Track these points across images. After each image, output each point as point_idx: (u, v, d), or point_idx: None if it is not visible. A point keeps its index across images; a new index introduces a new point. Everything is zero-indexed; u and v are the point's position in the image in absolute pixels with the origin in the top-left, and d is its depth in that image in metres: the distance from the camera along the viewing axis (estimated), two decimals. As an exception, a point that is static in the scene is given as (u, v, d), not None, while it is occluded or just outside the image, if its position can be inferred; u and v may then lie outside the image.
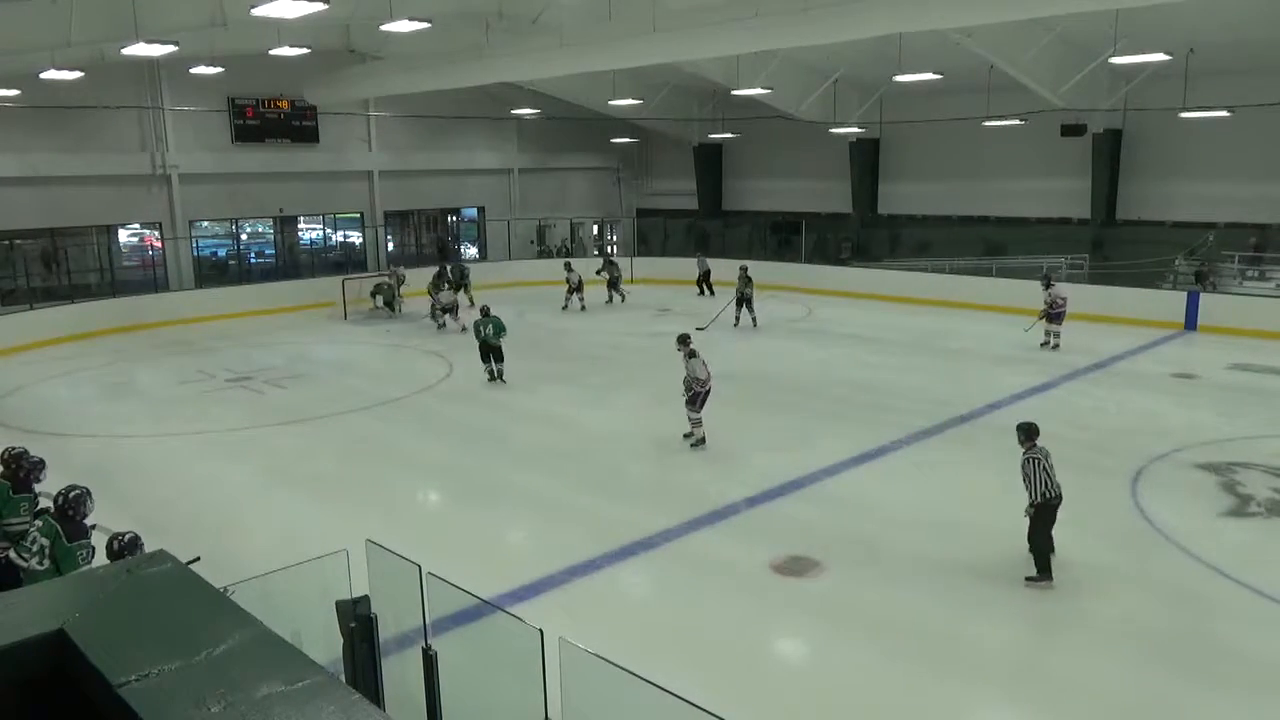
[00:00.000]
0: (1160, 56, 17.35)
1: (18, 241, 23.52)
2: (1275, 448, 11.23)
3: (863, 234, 29.86)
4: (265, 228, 28.36)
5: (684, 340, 11.92)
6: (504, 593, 7.59)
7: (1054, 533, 7.86)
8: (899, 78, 20.19)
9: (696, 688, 4.02)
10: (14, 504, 7.09)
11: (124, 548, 5.87)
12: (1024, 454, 7.84)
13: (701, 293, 24.27)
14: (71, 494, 6.52)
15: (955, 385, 14.62)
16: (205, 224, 26.70)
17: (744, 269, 20.22)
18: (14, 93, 20.41)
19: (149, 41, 14.99)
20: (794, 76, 24.59)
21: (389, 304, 23.11)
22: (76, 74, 18.19)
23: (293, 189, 26.99)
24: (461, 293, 22.44)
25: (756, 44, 17.20)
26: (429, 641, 5.05)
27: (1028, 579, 7.78)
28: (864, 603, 7.68)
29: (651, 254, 30.71)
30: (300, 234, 29.28)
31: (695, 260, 25.23)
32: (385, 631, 5.23)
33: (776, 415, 13.25)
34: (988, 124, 23.35)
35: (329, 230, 29.78)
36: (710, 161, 33.88)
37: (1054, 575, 7.75)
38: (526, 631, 4.29)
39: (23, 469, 7.27)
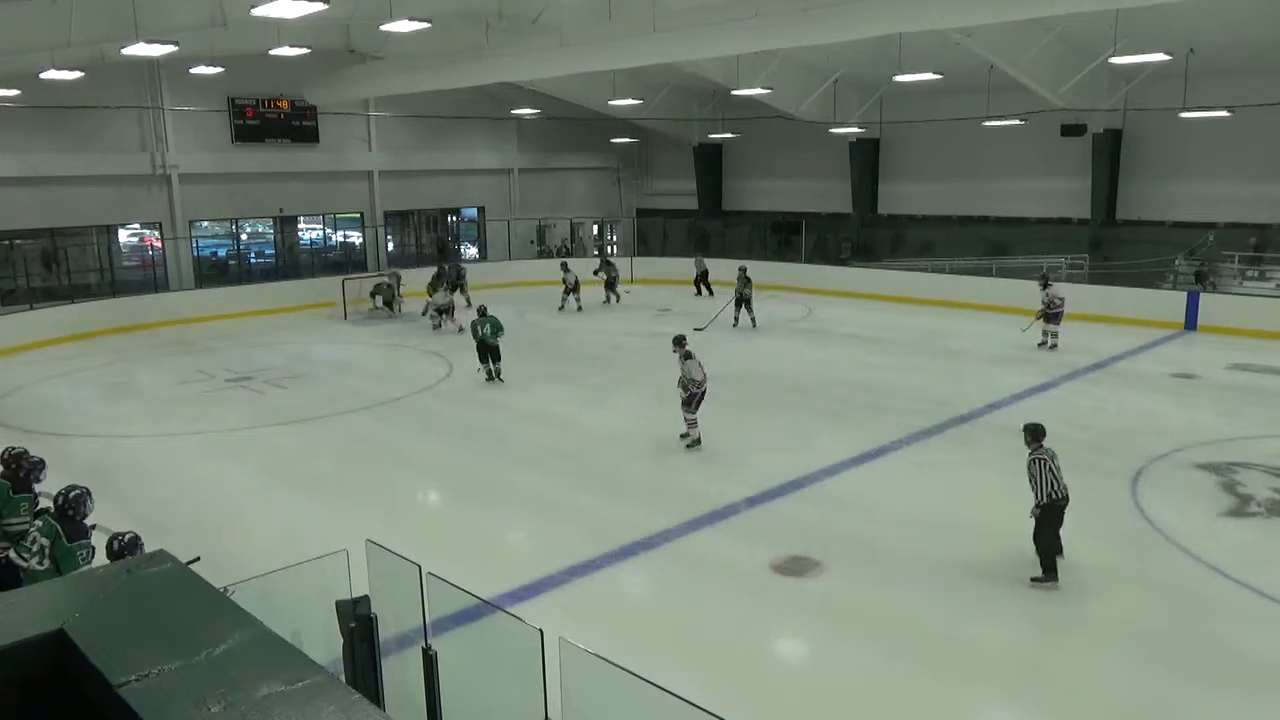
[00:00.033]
0: (1160, 56, 17.35)
1: (18, 241, 23.53)
2: (1275, 448, 11.23)
3: (863, 234, 29.85)
4: (265, 228, 28.35)
5: (679, 341, 11.92)
6: (504, 593, 7.59)
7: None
8: (899, 78, 20.19)
9: (696, 688, 4.01)
10: (14, 504, 7.09)
11: (124, 548, 5.87)
12: (1030, 454, 7.83)
13: (699, 293, 24.29)
14: (71, 494, 6.53)
15: (955, 385, 14.62)
16: (205, 224, 26.70)
17: (743, 269, 20.22)
18: (14, 93, 20.42)
19: (149, 41, 14.99)
20: (794, 76, 24.58)
21: (388, 304, 23.13)
22: (76, 74, 18.19)
23: (293, 189, 27.00)
24: (458, 293, 22.45)
25: (756, 44, 17.20)
26: (429, 641, 5.05)
27: (1033, 580, 7.77)
28: (864, 603, 7.68)
29: (651, 254, 30.74)
30: (300, 234, 29.27)
31: (694, 260, 25.24)
32: (385, 631, 5.23)
33: (776, 415, 13.25)
34: (988, 124, 23.35)
35: (329, 230, 29.77)
36: (710, 161, 33.86)
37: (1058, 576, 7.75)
38: (526, 631, 4.29)
39: (23, 469, 7.28)
